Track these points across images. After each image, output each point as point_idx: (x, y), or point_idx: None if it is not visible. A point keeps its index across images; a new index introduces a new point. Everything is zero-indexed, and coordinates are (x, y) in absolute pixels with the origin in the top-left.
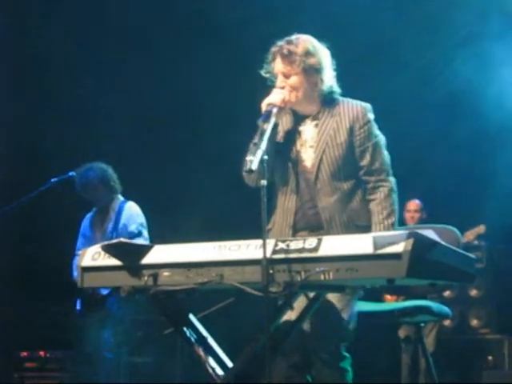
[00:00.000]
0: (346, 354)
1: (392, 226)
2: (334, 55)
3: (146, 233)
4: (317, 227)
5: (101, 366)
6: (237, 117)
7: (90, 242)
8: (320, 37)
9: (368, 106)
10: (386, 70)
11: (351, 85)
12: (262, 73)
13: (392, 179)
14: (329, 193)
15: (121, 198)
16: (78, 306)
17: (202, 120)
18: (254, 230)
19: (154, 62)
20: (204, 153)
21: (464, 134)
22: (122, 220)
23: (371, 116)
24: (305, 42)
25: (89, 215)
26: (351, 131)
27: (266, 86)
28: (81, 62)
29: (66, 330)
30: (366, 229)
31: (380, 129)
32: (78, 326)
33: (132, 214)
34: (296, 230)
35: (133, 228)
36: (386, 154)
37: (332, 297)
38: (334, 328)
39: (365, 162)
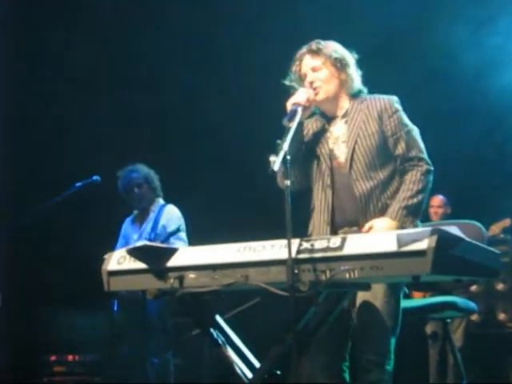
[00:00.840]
0: (392, 357)
1: (417, 208)
2: (351, 47)
3: (184, 235)
4: (355, 221)
5: (147, 372)
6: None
7: (129, 244)
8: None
9: (394, 97)
10: (404, 61)
11: (369, 77)
12: (286, 82)
13: (428, 166)
14: (364, 181)
15: (161, 201)
16: (116, 307)
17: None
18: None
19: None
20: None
21: (488, 125)
22: (162, 221)
23: (399, 106)
24: (331, 43)
25: (129, 218)
26: (381, 121)
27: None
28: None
29: (96, 333)
30: None
31: None
32: (115, 329)
33: (172, 216)
34: (334, 227)
35: (172, 228)
36: (421, 142)
37: (377, 296)
38: (380, 327)
39: (400, 150)
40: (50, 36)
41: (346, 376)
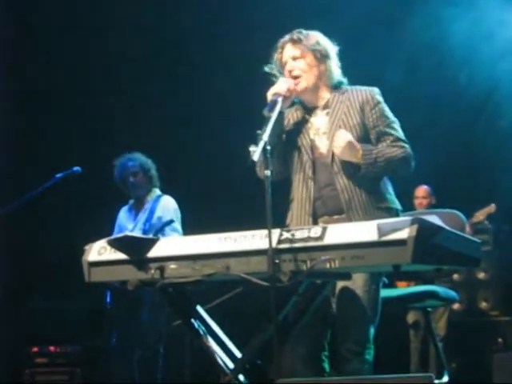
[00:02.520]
0: (371, 346)
1: (383, 166)
2: (333, 35)
3: (178, 226)
4: (337, 211)
5: (137, 364)
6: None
7: None
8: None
9: (376, 89)
10: (387, 48)
11: (351, 64)
12: (267, 69)
13: (410, 152)
14: (347, 174)
15: (158, 191)
16: (108, 299)
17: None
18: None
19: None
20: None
21: (470, 113)
22: (157, 212)
23: (380, 98)
24: (314, 33)
25: (125, 207)
26: (363, 114)
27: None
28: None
29: (79, 324)
30: (387, 211)
31: None
32: (107, 320)
33: (168, 207)
34: (316, 218)
35: (167, 219)
36: (402, 134)
37: (357, 285)
38: (360, 316)
39: (382, 143)
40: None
41: (326, 365)
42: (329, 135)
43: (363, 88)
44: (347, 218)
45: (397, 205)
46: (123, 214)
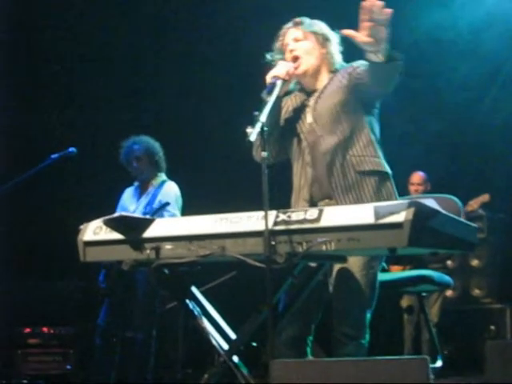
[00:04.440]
0: (367, 331)
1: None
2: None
3: (176, 212)
4: (330, 193)
5: (131, 348)
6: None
7: None
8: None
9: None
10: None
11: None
12: (268, 57)
13: None
14: (329, 135)
15: (164, 176)
16: (101, 278)
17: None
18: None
19: None
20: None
21: (464, 104)
22: (159, 196)
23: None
24: (316, 21)
25: (129, 189)
26: (349, 76)
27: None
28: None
29: (71, 305)
30: (369, 175)
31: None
32: (100, 299)
33: (169, 192)
34: (314, 203)
35: (169, 207)
36: None
37: (355, 269)
38: (357, 300)
39: (363, 73)
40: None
41: (308, 350)
42: (312, 109)
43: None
44: (340, 196)
45: (387, 168)
46: (127, 195)
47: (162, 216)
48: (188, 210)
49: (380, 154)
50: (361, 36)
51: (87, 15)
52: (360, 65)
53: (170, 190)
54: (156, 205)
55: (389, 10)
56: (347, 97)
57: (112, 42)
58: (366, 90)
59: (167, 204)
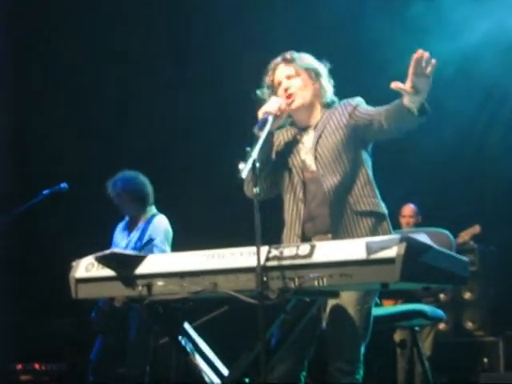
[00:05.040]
0: (361, 366)
1: None
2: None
3: (167, 247)
4: (327, 229)
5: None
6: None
7: None
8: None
9: (359, 97)
10: (372, 72)
11: (338, 86)
12: (259, 93)
13: None
14: (331, 175)
15: (153, 210)
16: (94, 314)
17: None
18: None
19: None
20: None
21: (454, 135)
22: (149, 231)
23: (363, 100)
24: (304, 54)
25: (120, 224)
26: (350, 116)
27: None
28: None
29: (63, 341)
30: (366, 215)
31: None
32: (91, 336)
33: (158, 226)
34: (306, 238)
35: (157, 241)
36: None
37: (349, 303)
38: (351, 335)
39: (375, 111)
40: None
41: None
42: (313, 150)
43: (348, 99)
44: (337, 235)
45: (384, 209)
46: (118, 230)
47: (151, 251)
48: (179, 245)
49: (377, 193)
50: (406, 86)
51: (76, 56)
52: (359, 103)
53: (159, 225)
54: (145, 241)
55: (434, 61)
56: (347, 136)
57: (101, 74)
58: (379, 132)
59: (151, 240)
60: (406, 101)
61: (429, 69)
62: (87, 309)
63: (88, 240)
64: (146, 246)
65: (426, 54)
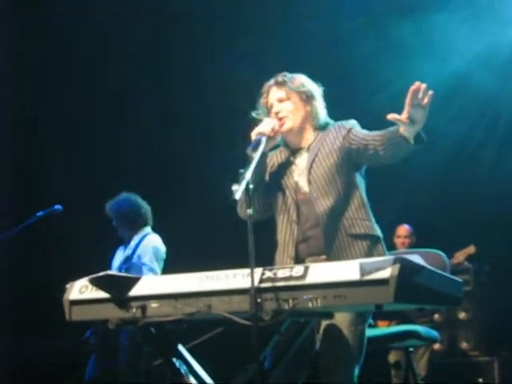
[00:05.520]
0: None
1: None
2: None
3: (155, 265)
4: (321, 251)
5: None
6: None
7: None
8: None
9: (353, 120)
10: (365, 91)
11: (332, 105)
12: (254, 114)
13: None
14: (324, 198)
15: (147, 230)
16: (88, 334)
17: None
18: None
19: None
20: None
21: (447, 155)
22: (138, 251)
23: (357, 123)
24: (298, 76)
25: (121, 246)
26: (344, 139)
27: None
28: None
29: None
30: (360, 238)
31: None
32: (85, 357)
33: (148, 245)
34: (300, 260)
35: (146, 259)
36: None
37: (343, 325)
38: (345, 357)
39: (370, 137)
40: None
41: None
42: (307, 172)
43: (341, 122)
44: (331, 257)
45: (378, 232)
46: (118, 253)
47: (140, 270)
48: (172, 266)
49: (371, 216)
50: (403, 117)
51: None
52: (353, 125)
53: (148, 243)
54: (135, 259)
55: (431, 92)
56: (341, 159)
57: (95, 96)
58: (374, 157)
59: (149, 267)
60: (402, 130)
61: (425, 100)
62: (82, 330)
63: (82, 262)
64: (131, 265)
65: (423, 86)
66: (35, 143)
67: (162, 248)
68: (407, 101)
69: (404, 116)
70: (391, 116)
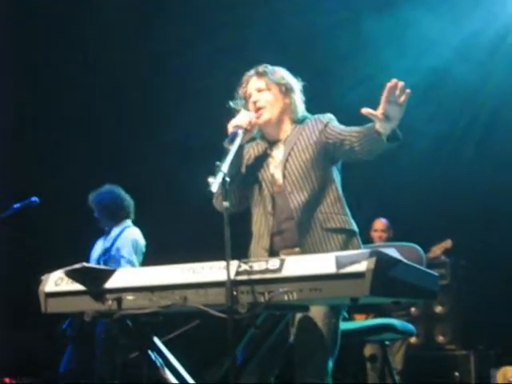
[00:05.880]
0: (330, 380)
1: None
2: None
3: (134, 257)
4: (295, 243)
5: None
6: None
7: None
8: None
9: (329, 114)
10: (345, 84)
11: (310, 99)
12: (232, 104)
13: None
14: (299, 192)
15: (128, 223)
16: (65, 326)
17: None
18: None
19: None
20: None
21: (425, 151)
22: (117, 244)
23: (333, 117)
24: (279, 68)
25: (101, 237)
26: (320, 133)
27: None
28: None
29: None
30: (336, 232)
31: None
32: (61, 347)
33: (127, 237)
34: (274, 252)
35: (124, 252)
36: None
37: (317, 317)
38: (319, 348)
39: (349, 138)
40: None
41: None
42: (282, 166)
43: (319, 115)
44: (305, 250)
45: (354, 226)
46: (97, 243)
47: (118, 262)
48: (149, 259)
49: (347, 210)
50: (378, 113)
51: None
52: (330, 120)
53: (128, 236)
54: (114, 252)
55: (408, 91)
56: (317, 153)
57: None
58: (350, 152)
59: (128, 259)
60: (378, 126)
61: (402, 98)
62: (58, 322)
63: (59, 254)
64: (110, 257)
65: (401, 83)
66: (35, 143)
67: (142, 241)
68: (383, 97)
69: (379, 112)
70: (365, 110)
